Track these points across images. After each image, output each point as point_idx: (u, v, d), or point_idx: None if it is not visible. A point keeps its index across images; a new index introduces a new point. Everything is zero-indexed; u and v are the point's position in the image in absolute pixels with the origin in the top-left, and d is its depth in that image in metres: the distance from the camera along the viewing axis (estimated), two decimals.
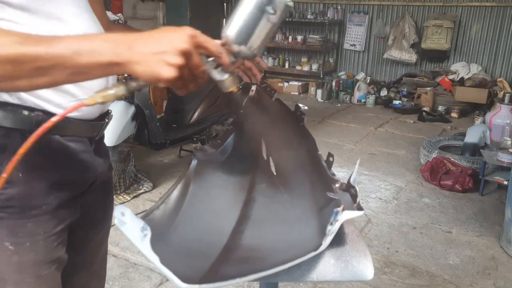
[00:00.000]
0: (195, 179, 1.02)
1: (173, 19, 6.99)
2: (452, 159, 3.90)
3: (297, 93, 7.51)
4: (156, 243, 0.71)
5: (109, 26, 1.14)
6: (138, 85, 0.76)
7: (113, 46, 0.68)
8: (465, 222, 3.20)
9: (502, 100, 5.42)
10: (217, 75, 0.79)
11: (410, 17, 7.14)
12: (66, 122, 0.89)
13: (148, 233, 0.65)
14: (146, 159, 4.10)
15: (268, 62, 7.98)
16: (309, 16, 7.69)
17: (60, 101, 0.87)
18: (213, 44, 0.74)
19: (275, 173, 1.11)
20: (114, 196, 3.31)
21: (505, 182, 3.44)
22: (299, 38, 7.78)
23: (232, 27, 0.78)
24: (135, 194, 3.36)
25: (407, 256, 2.72)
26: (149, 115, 3.42)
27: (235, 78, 0.81)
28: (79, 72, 0.69)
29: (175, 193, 0.99)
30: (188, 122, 3.88)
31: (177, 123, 3.85)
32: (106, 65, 0.68)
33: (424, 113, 6.15)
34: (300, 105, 1.12)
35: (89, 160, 0.98)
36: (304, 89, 7.59)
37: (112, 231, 3.01)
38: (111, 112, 1.07)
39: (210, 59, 0.76)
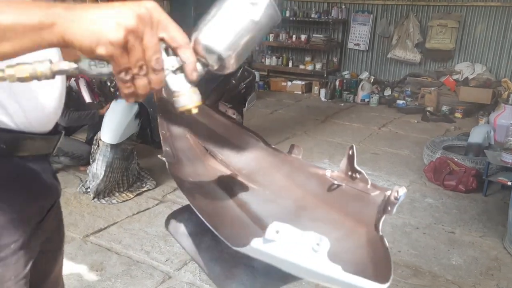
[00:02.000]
0: (190, 191, 0.97)
1: (178, 18, 6.98)
2: (456, 160, 3.89)
3: (300, 92, 7.50)
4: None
5: None
6: (68, 66, 0.57)
7: (46, 6, 0.55)
8: (469, 222, 3.19)
9: (506, 101, 5.40)
10: (174, 82, 0.60)
11: (415, 16, 7.11)
12: (18, 139, 0.78)
13: (327, 246, 0.57)
14: (149, 157, 4.10)
15: (272, 61, 7.98)
16: (313, 15, 7.67)
17: None
18: (180, 31, 0.59)
19: (236, 173, 1.06)
20: (117, 194, 3.33)
21: (509, 183, 3.43)
22: (303, 37, 7.77)
23: (205, 31, 0.63)
24: (138, 192, 3.37)
25: (410, 256, 2.71)
26: (153, 113, 3.43)
27: (196, 92, 0.63)
28: (1, 37, 0.54)
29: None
30: None
31: None
32: (34, 27, 0.53)
33: (428, 113, 6.12)
34: (224, 103, 1.10)
35: (50, 180, 0.87)
36: (308, 89, 7.58)
37: (114, 228, 3.02)
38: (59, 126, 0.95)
39: (169, 56, 0.60)
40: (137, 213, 3.11)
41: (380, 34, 7.50)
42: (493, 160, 3.53)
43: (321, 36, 7.64)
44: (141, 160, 3.67)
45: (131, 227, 2.91)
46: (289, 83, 7.64)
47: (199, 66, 0.62)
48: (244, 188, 1.02)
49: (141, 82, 0.57)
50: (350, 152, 0.89)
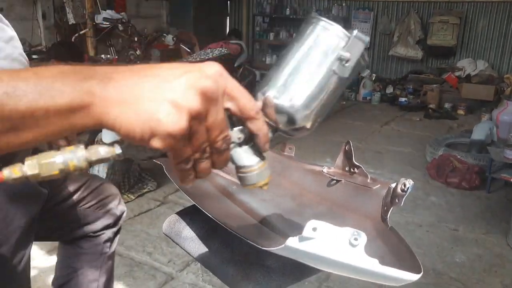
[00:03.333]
0: (200, 200, 0.93)
1: (177, 18, 6.98)
2: (459, 157, 3.87)
3: None
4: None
5: None
6: (109, 152, 0.46)
7: (75, 79, 0.40)
8: (472, 220, 3.17)
9: (509, 97, 5.37)
10: (242, 155, 0.51)
11: (416, 13, 7.09)
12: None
13: (364, 240, 0.57)
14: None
15: (273, 59, 7.96)
16: (313, 13, 7.64)
17: None
18: (249, 98, 0.47)
19: (227, 174, 1.05)
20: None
21: None
22: None
23: (278, 86, 0.52)
24: (139, 193, 3.36)
25: None
26: None
27: (266, 166, 0.53)
28: (14, 127, 0.40)
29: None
30: None
31: None
32: (60, 111, 0.40)
33: (430, 110, 6.10)
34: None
35: (34, 185, 0.94)
36: None
37: None
38: None
39: (237, 128, 0.49)
40: (139, 214, 3.10)
41: (381, 31, 7.47)
42: (496, 157, 3.51)
43: None
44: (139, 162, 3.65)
45: (133, 229, 2.90)
46: None
47: (270, 134, 0.51)
48: (240, 188, 1.00)
49: (204, 166, 0.46)
50: (346, 148, 0.88)
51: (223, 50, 4.03)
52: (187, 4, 6.84)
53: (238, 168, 0.52)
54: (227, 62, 4.07)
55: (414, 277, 0.60)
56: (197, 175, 0.47)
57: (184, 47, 3.84)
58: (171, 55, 5.36)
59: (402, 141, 4.93)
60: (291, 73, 0.52)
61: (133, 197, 3.31)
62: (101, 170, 3.15)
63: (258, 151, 0.51)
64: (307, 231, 0.55)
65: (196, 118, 0.41)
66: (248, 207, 0.96)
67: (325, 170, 0.91)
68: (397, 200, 0.78)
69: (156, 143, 0.41)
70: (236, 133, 0.49)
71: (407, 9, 7.22)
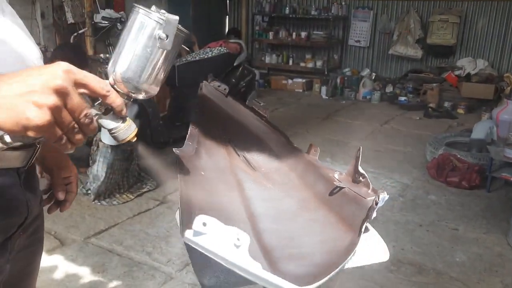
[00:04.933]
0: (190, 183, 0.99)
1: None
2: (459, 156, 3.86)
3: (301, 90, 7.47)
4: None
5: None
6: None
7: None
8: (472, 219, 3.16)
9: (509, 96, 5.35)
10: (107, 122, 0.65)
11: (415, 12, 7.07)
12: None
13: (247, 241, 0.61)
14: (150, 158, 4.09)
15: (272, 59, 7.95)
16: (313, 12, 7.63)
17: None
18: (97, 81, 0.60)
19: (254, 170, 1.08)
20: (118, 195, 3.30)
21: None
22: (303, 34, 7.73)
23: (120, 62, 0.66)
24: (138, 193, 3.35)
25: (414, 254, 2.69)
26: (152, 113, 3.41)
27: (130, 123, 0.68)
28: None
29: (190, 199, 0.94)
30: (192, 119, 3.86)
31: (181, 121, 3.84)
32: None
33: (430, 109, 6.09)
34: (257, 101, 1.11)
35: (18, 196, 0.81)
36: (309, 86, 7.55)
37: (115, 230, 3.00)
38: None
39: (97, 103, 0.63)
40: (138, 214, 3.09)
41: (381, 30, 7.46)
42: (496, 156, 3.50)
43: (321, 33, 7.60)
44: (141, 161, 3.64)
45: (132, 228, 2.89)
46: (290, 81, 7.61)
47: (123, 99, 0.65)
48: (257, 185, 1.04)
49: (78, 137, 0.59)
50: (358, 154, 0.88)
51: (222, 49, 4.02)
52: (186, 3, 6.83)
53: (109, 131, 0.66)
54: (227, 61, 4.06)
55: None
56: (74, 144, 0.60)
57: (184, 46, 3.83)
58: None
59: (402, 140, 4.92)
60: (127, 53, 0.66)
61: (132, 197, 3.30)
62: (100, 170, 3.14)
63: (120, 116, 0.66)
64: (196, 224, 0.61)
65: (56, 109, 0.54)
66: (249, 204, 0.97)
67: (336, 175, 0.91)
68: (370, 213, 0.78)
69: (31, 134, 0.55)
70: (97, 108, 0.63)
71: (406, 8, 7.20)
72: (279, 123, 5.91)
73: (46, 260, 2.50)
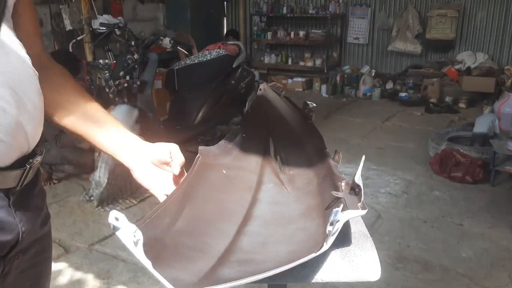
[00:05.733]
0: (199, 180, 1.00)
1: (174, 20, 6.97)
2: (462, 151, 3.84)
3: (301, 89, 7.46)
4: (154, 247, 0.72)
5: (42, 58, 0.91)
6: None
7: None
8: (477, 213, 3.15)
9: (510, 89, 5.33)
10: None
11: (413, 7, 7.06)
12: None
13: (140, 238, 0.64)
14: None
15: (271, 59, 7.94)
16: (310, 11, 7.62)
17: None
18: None
19: (282, 173, 1.10)
20: (121, 201, 3.29)
21: None
22: (301, 33, 7.72)
23: None
24: (141, 198, 3.34)
25: (419, 251, 2.68)
26: (153, 117, 3.40)
27: None
28: None
29: (179, 196, 0.96)
30: (192, 123, 3.85)
31: (181, 125, 3.83)
32: None
33: (431, 104, 6.07)
34: (308, 102, 1.09)
35: (5, 217, 0.76)
36: (309, 85, 7.54)
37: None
38: (41, 152, 0.84)
39: None
40: (141, 219, 3.09)
41: (379, 27, 7.44)
42: (499, 149, 3.49)
43: (320, 31, 7.59)
44: None
45: None
46: (290, 80, 7.60)
47: None
48: (275, 188, 1.05)
49: None
50: (360, 164, 0.86)
51: (221, 52, 4.01)
52: (184, 6, 6.82)
53: None
54: (226, 63, 4.05)
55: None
56: None
57: (182, 50, 3.82)
58: (170, 58, 5.34)
59: (404, 137, 4.90)
60: None
61: (136, 202, 3.29)
62: (102, 176, 3.14)
63: None
64: (110, 219, 0.65)
65: None
66: (256, 205, 0.98)
67: (343, 184, 0.89)
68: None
69: None
70: None
71: (404, 4, 7.19)
72: None
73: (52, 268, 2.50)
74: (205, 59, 3.94)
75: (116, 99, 3.29)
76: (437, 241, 2.79)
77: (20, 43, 0.78)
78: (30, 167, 0.79)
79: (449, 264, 2.54)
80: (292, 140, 1.15)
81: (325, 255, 0.73)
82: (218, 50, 4.02)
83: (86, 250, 2.71)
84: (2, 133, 0.72)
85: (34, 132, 0.79)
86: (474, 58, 6.78)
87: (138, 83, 3.25)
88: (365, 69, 7.47)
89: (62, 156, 3.53)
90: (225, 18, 8.32)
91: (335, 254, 0.76)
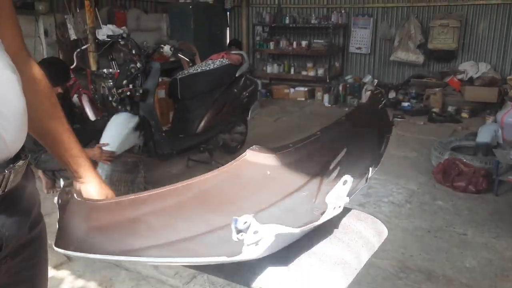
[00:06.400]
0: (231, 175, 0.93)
1: (177, 30, 7.02)
2: (465, 160, 3.83)
3: (303, 99, 7.48)
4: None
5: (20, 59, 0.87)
6: None
7: None
8: (481, 223, 3.13)
9: None
10: None
11: (415, 18, 7.09)
12: None
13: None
14: (155, 170, 4.09)
15: (273, 68, 7.97)
16: (313, 21, 7.67)
17: None
18: None
19: (323, 183, 1.01)
20: None
21: None
22: (304, 43, 7.76)
23: None
24: None
25: (423, 261, 2.66)
26: (155, 125, 3.41)
27: None
28: None
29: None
30: (195, 131, 3.86)
31: (184, 133, 3.84)
32: None
33: (433, 114, 6.07)
34: (399, 116, 1.05)
35: None
36: (311, 95, 7.56)
37: None
38: (25, 156, 0.83)
39: None
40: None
41: (382, 37, 7.48)
42: (503, 159, 3.48)
43: (322, 41, 7.63)
44: (146, 174, 3.64)
45: None
46: (292, 90, 7.62)
47: None
48: (300, 196, 0.97)
49: None
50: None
51: (224, 61, 4.03)
52: (187, 16, 6.87)
53: None
54: (229, 72, 4.07)
55: None
56: None
57: (183, 57, 3.83)
58: (174, 67, 5.37)
59: (406, 146, 4.90)
60: None
61: None
62: None
63: None
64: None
65: None
66: (271, 203, 0.94)
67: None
68: None
69: None
70: None
71: (406, 14, 7.22)
72: (282, 132, 5.91)
73: (54, 275, 2.49)
74: (208, 69, 3.96)
75: (119, 107, 3.30)
76: (441, 251, 2.78)
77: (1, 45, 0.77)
78: (10, 172, 0.76)
79: (453, 274, 2.53)
80: (357, 150, 1.09)
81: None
82: (221, 59, 4.05)
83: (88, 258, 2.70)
84: None
85: (14, 137, 0.77)
86: (477, 68, 6.79)
87: (141, 91, 3.26)
88: (367, 78, 7.49)
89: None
90: (228, 28, 8.38)
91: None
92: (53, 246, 0.83)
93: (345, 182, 0.82)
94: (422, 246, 2.82)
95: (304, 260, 0.82)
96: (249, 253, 0.67)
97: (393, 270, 2.54)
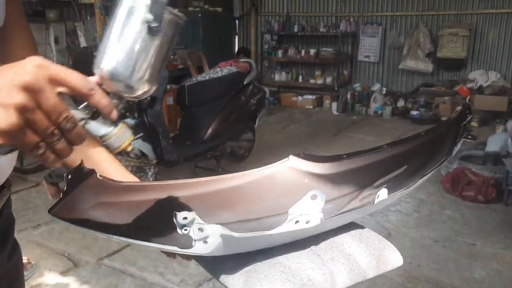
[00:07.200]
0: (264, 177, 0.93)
1: (186, 38, 7.07)
2: (474, 169, 3.80)
3: (311, 107, 7.48)
4: None
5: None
6: None
7: None
8: (490, 233, 3.09)
9: None
10: (96, 127, 0.55)
11: (424, 26, 7.08)
12: None
13: None
14: (161, 176, 4.10)
15: (282, 76, 7.99)
16: (321, 29, 7.69)
17: None
18: (77, 78, 0.50)
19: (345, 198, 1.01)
20: None
21: None
22: (312, 51, 7.77)
23: (107, 56, 0.55)
24: None
25: (430, 271, 2.63)
26: (162, 132, 3.43)
27: (124, 129, 0.58)
28: None
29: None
30: (202, 138, 3.88)
31: (191, 140, 3.86)
32: None
33: None
34: (470, 137, 1.01)
35: None
36: (319, 103, 7.55)
37: (128, 250, 3.00)
38: (9, 186, 0.78)
39: (82, 105, 0.53)
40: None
41: (390, 45, 7.47)
42: None
43: (331, 49, 7.64)
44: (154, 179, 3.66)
45: (144, 249, 2.88)
46: (300, 97, 7.63)
47: (114, 101, 0.54)
48: (332, 207, 0.98)
49: (60, 147, 0.49)
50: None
51: (232, 69, 4.06)
52: (196, 24, 6.93)
53: (100, 138, 0.56)
54: (237, 80, 4.09)
55: None
56: (58, 156, 0.50)
57: (193, 66, 3.88)
58: (182, 75, 5.41)
59: None
60: (114, 45, 0.55)
61: None
62: None
63: (111, 121, 0.55)
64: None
65: (25, 109, 0.45)
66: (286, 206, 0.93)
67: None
68: None
69: (1, 141, 0.45)
70: (82, 110, 0.53)
71: (415, 23, 7.21)
72: (290, 139, 5.89)
73: (60, 281, 2.50)
74: (216, 76, 3.98)
75: (127, 114, 3.33)
76: (449, 261, 2.74)
77: None
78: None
79: (461, 285, 2.49)
80: (393, 164, 1.02)
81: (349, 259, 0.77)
82: (230, 67, 4.07)
83: (94, 264, 2.71)
84: None
85: (8, 165, 0.74)
86: (486, 77, 6.75)
87: (148, 98, 3.29)
88: (376, 87, 7.47)
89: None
90: (236, 36, 8.43)
91: (362, 255, 0.78)
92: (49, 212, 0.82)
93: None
94: (430, 256, 2.79)
95: (268, 268, 0.79)
96: (199, 249, 0.68)
97: (400, 280, 2.52)
